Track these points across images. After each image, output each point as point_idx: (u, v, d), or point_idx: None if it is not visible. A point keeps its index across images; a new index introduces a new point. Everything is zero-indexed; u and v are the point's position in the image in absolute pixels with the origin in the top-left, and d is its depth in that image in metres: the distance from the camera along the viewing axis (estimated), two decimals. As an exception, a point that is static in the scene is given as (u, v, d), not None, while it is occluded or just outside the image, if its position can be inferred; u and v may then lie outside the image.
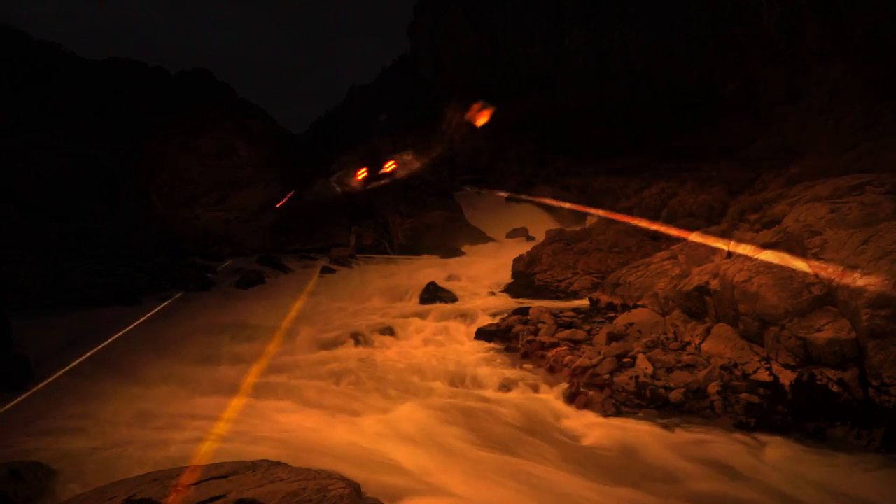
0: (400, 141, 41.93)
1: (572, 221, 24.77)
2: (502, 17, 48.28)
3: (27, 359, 7.51)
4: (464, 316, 10.81)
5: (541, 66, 43.74)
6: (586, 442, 5.60)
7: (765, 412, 5.67)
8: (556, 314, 9.53)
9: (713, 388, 6.13)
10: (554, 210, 27.50)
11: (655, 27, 36.51)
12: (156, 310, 12.23)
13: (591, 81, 39.65)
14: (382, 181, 30.92)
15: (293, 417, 6.03)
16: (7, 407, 6.37)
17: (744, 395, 5.87)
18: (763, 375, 5.90)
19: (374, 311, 11.96)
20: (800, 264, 6.50)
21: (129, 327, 10.39)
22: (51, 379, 7.31)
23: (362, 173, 32.04)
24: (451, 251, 22.48)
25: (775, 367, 5.88)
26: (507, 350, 8.70)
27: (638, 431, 5.68)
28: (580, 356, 7.55)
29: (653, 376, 6.63)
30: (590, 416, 6.13)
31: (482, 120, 39.65)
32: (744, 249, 7.59)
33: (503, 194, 30.31)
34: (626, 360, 7.16)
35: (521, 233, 25.90)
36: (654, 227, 15.63)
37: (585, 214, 23.40)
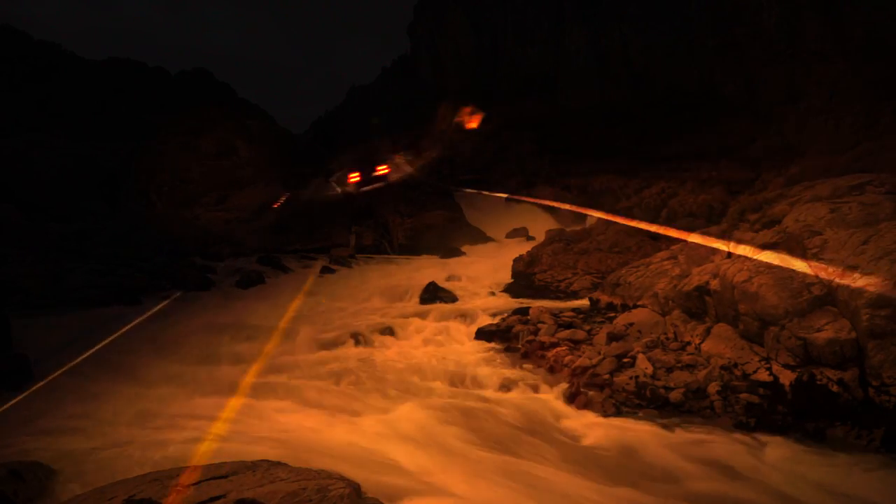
0: (399, 141, 41.94)
1: (572, 221, 24.76)
2: (502, 17, 48.28)
3: (27, 358, 7.52)
4: (464, 316, 10.80)
5: (541, 66, 43.75)
6: (586, 442, 5.60)
7: (765, 412, 5.66)
8: (556, 314, 9.53)
9: (713, 388, 6.13)
10: (554, 210, 27.49)
11: (655, 27, 36.52)
12: (155, 308, 12.24)
13: (591, 81, 39.66)
14: (376, 185, 30.64)
15: (293, 417, 6.03)
16: (7, 406, 6.37)
17: (744, 395, 5.87)
18: (763, 375, 5.90)
19: (374, 311, 11.95)
20: (800, 264, 6.50)
21: (129, 326, 10.40)
22: (51, 378, 7.31)
23: (354, 177, 31.65)
24: (451, 251, 22.48)
25: (775, 367, 5.88)
26: (507, 350, 8.69)
27: (638, 431, 5.68)
28: (580, 356, 7.55)
29: (653, 376, 6.63)
30: (590, 416, 6.13)
31: (473, 124, 39.55)
32: (744, 249, 7.59)
33: (503, 195, 30.26)
34: (626, 360, 7.16)
35: (521, 233, 25.90)
36: (654, 227, 15.63)
37: (585, 214, 23.39)
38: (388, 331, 10.01)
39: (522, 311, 10.06)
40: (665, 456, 5.15)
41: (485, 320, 10.24)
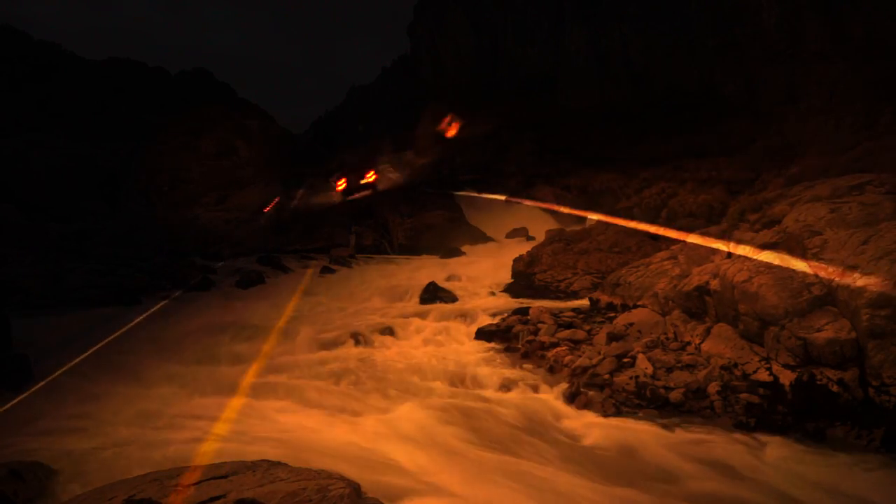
0: (399, 141, 41.90)
1: (572, 221, 24.74)
2: (502, 17, 48.24)
3: (27, 358, 7.52)
4: (464, 316, 10.81)
5: (541, 66, 43.71)
6: (586, 442, 5.60)
7: (765, 412, 5.66)
8: (556, 314, 9.54)
9: (713, 388, 6.13)
10: (554, 210, 27.47)
11: (655, 27, 36.49)
12: (155, 307, 12.25)
13: (591, 81, 39.61)
14: (363, 192, 30.24)
15: (293, 417, 6.03)
16: (7, 406, 6.38)
17: (744, 395, 5.87)
18: (763, 375, 5.90)
19: (374, 311, 11.96)
20: (800, 264, 6.50)
21: (129, 326, 10.40)
22: (51, 378, 7.31)
23: (341, 184, 31.11)
24: (451, 251, 22.48)
25: (775, 367, 5.88)
26: (507, 350, 8.69)
27: (638, 431, 5.68)
28: (580, 356, 7.55)
29: (653, 376, 6.63)
30: (590, 416, 6.13)
31: (452, 132, 39.33)
32: (744, 249, 7.59)
33: (502, 196, 30.21)
34: (626, 360, 7.16)
35: (521, 233, 25.90)
36: (654, 228, 15.63)
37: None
38: (388, 331, 10.01)
39: (522, 311, 10.06)
40: (665, 456, 5.15)
41: (485, 320, 10.24)
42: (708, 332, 7.13)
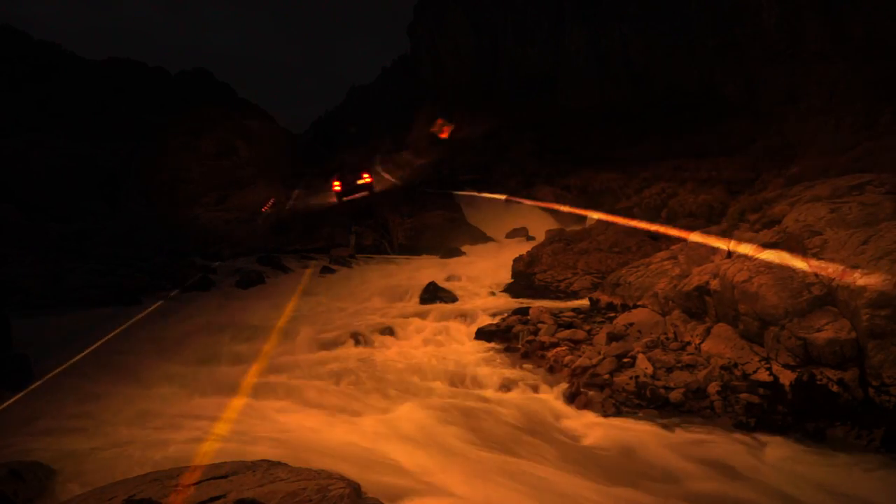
0: (399, 141, 41.95)
1: (572, 221, 24.73)
2: (502, 17, 48.23)
3: (27, 358, 7.52)
4: (464, 316, 10.79)
5: (541, 66, 43.71)
6: (586, 442, 5.60)
7: (765, 412, 5.66)
8: (556, 314, 9.53)
9: (713, 388, 6.13)
10: (554, 210, 27.46)
11: (655, 27, 36.48)
12: (154, 306, 12.25)
13: (591, 81, 39.61)
14: (360, 193, 29.88)
15: (293, 417, 6.03)
16: (7, 406, 6.38)
17: (744, 395, 5.87)
18: (763, 375, 5.90)
19: (374, 310, 11.95)
20: (800, 264, 6.50)
21: (129, 323, 10.41)
22: (51, 378, 7.31)
23: (336, 186, 30.04)
24: (451, 251, 22.45)
25: (775, 367, 5.88)
26: (507, 350, 8.69)
27: (638, 431, 5.68)
28: (580, 356, 7.55)
29: (653, 376, 6.63)
30: (590, 416, 6.12)
31: (451, 132, 39.22)
32: (744, 249, 7.59)
33: (502, 196, 30.18)
34: (626, 360, 7.16)
35: (521, 233, 25.87)
36: (654, 227, 15.62)
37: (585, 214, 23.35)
38: (388, 331, 10.01)
39: (522, 311, 10.05)
40: (665, 456, 5.15)
41: (485, 320, 10.23)
42: (708, 332, 7.13)
